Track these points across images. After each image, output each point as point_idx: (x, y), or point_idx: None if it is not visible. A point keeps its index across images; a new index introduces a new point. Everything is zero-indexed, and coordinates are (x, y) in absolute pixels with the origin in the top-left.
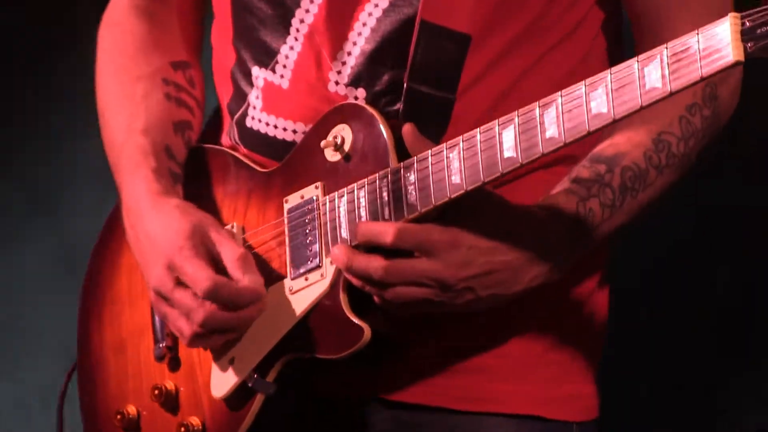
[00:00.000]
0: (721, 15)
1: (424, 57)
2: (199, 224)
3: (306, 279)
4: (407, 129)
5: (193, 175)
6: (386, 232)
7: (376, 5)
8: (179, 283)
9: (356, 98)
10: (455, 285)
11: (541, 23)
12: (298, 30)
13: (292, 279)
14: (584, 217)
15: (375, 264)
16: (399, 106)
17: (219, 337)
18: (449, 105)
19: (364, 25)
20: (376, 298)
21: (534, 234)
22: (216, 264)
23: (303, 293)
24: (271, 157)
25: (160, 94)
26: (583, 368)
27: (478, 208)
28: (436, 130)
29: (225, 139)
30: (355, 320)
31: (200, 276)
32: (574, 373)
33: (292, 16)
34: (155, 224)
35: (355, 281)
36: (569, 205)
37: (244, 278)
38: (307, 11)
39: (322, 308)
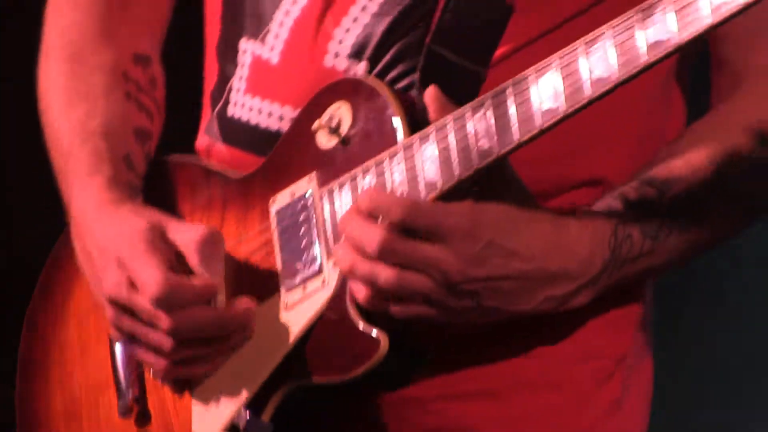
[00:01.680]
0: None
1: (454, 17)
2: (156, 221)
3: (304, 289)
4: (431, 93)
5: (155, 193)
6: (395, 205)
7: None
8: (134, 286)
9: (356, 72)
10: (460, 284)
11: (598, 7)
12: None
13: (287, 291)
14: (620, 243)
15: (372, 233)
16: (409, 80)
17: (205, 349)
18: (478, 79)
19: None
20: (362, 287)
21: (562, 249)
22: (179, 263)
23: (301, 306)
24: (255, 151)
25: (120, 91)
26: None
27: (506, 200)
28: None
29: (200, 141)
30: (370, 330)
31: (151, 280)
32: None
33: None
34: (106, 231)
35: (342, 253)
36: (608, 225)
37: (199, 267)
38: None
39: (325, 322)
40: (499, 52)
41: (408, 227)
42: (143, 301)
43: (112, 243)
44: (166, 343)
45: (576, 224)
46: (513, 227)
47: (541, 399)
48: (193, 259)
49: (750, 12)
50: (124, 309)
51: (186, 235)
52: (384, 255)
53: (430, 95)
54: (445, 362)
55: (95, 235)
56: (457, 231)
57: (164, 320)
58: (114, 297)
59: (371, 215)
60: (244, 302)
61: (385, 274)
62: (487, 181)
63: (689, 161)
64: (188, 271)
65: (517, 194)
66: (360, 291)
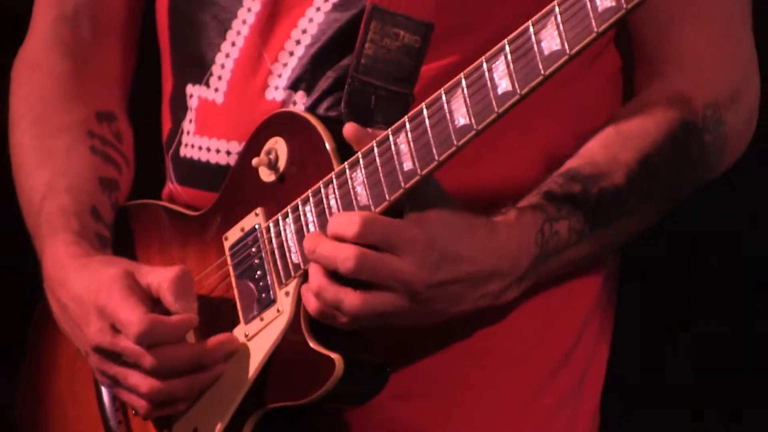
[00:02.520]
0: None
1: (373, 45)
2: (128, 268)
3: (261, 319)
4: (349, 129)
5: (121, 239)
6: (352, 222)
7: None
8: (116, 330)
9: (294, 103)
10: (422, 293)
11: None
12: (238, 33)
13: (246, 324)
14: (547, 239)
15: (346, 250)
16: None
17: (182, 387)
18: (406, 102)
19: (311, 21)
20: (312, 299)
21: (495, 250)
22: (156, 304)
23: (261, 336)
24: (208, 188)
25: (85, 147)
26: None
27: (440, 211)
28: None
29: (165, 190)
30: (324, 352)
31: (130, 319)
32: None
33: (233, 18)
34: (79, 284)
35: (314, 276)
36: (534, 223)
37: (175, 304)
38: (249, 10)
39: (285, 348)
40: (429, 73)
41: (367, 237)
42: (126, 342)
43: (88, 293)
44: (146, 383)
45: (505, 226)
46: (456, 233)
47: (488, 398)
48: (167, 297)
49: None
50: (108, 354)
51: (158, 275)
52: (358, 270)
53: (349, 131)
54: (395, 364)
55: (70, 288)
56: (416, 242)
57: (147, 358)
58: (98, 344)
59: (335, 236)
60: (222, 335)
61: (348, 299)
62: (417, 198)
63: (612, 154)
64: (164, 312)
65: (446, 205)
66: (311, 305)
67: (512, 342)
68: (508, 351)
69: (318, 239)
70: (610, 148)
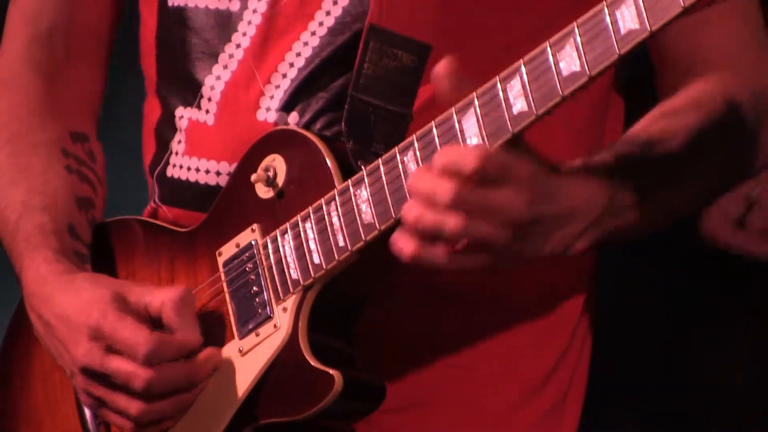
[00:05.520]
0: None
1: (372, 65)
2: (117, 288)
3: (257, 334)
4: (443, 65)
5: (101, 255)
6: (468, 155)
7: (321, 23)
8: (109, 351)
9: (287, 124)
10: (526, 226)
11: (519, 48)
12: (231, 56)
13: (241, 339)
14: (615, 193)
15: (445, 184)
16: (338, 128)
17: (170, 406)
18: (404, 121)
19: (306, 44)
20: (410, 240)
21: (575, 191)
22: (151, 323)
23: (256, 351)
24: (195, 208)
25: (60, 166)
26: None
27: (530, 153)
28: (389, 149)
29: (147, 210)
30: (324, 368)
31: (137, 339)
32: None
33: (227, 42)
34: (66, 302)
35: (408, 206)
36: (606, 175)
37: (179, 324)
38: (244, 34)
39: (280, 363)
40: (427, 93)
41: (482, 176)
42: (117, 364)
43: (76, 313)
44: (135, 406)
45: (583, 171)
46: (547, 169)
47: (477, 410)
48: (171, 317)
49: None
50: (96, 375)
51: (158, 295)
52: (457, 204)
53: (442, 68)
54: (385, 378)
55: (54, 305)
56: (524, 176)
57: (139, 380)
58: (86, 365)
59: (443, 171)
60: (208, 350)
61: (453, 221)
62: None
63: (671, 125)
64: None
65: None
66: (408, 245)
67: (501, 357)
68: (498, 365)
69: (421, 174)
70: (668, 121)
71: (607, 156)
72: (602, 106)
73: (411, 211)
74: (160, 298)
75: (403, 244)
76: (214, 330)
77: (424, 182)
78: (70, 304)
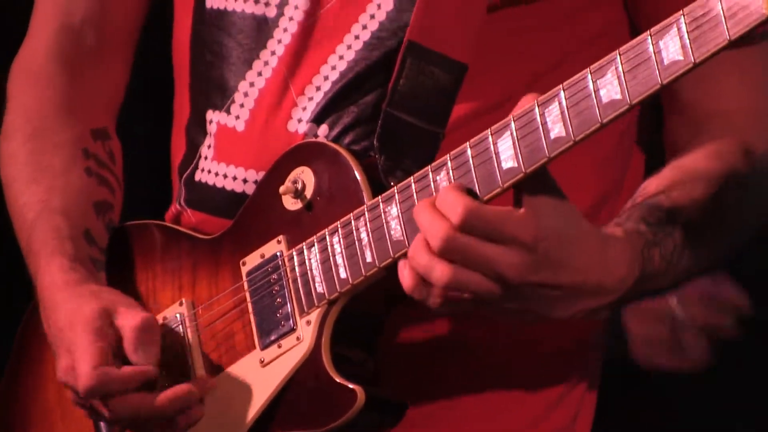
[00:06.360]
0: None
1: (408, 82)
2: (107, 307)
3: (279, 346)
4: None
5: (119, 259)
6: (455, 209)
7: (357, 37)
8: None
9: (316, 136)
10: (515, 287)
11: (554, 72)
12: (266, 63)
13: (263, 349)
14: (646, 264)
15: (437, 227)
16: (368, 142)
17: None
18: (436, 140)
19: (341, 58)
20: (409, 275)
21: (606, 262)
22: (120, 348)
23: (277, 363)
24: (220, 214)
25: (81, 168)
26: None
27: (554, 213)
28: (419, 167)
29: (170, 211)
30: (346, 383)
31: (82, 371)
32: None
33: (262, 48)
34: (64, 315)
35: (413, 243)
36: (639, 243)
37: (134, 356)
38: (279, 42)
39: (302, 376)
40: (459, 112)
41: (467, 230)
42: (71, 393)
43: (66, 328)
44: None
45: (616, 242)
46: (565, 240)
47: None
48: (128, 348)
49: None
50: (74, 392)
51: (126, 322)
52: (445, 251)
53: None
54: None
55: (57, 317)
56: (517, 239)
57: (100, 407)
58: (63, 381)
59: (441, 211)
60: (184, 387)
61: (440, 270)
62: (535, 192)
63: (688, 191)
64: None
65: (561, 209)
66: (406, 279)
67: (512, 380)
68: (510, 388)
69: (424, 208)
70: (685, 186)
71: (636, 220)
72: (630, 135)
73: (412, 247)
74: (124, 325)
75: (403, 277)
76: (234, 339)
77: (423, 218)
78: (66, 317)
